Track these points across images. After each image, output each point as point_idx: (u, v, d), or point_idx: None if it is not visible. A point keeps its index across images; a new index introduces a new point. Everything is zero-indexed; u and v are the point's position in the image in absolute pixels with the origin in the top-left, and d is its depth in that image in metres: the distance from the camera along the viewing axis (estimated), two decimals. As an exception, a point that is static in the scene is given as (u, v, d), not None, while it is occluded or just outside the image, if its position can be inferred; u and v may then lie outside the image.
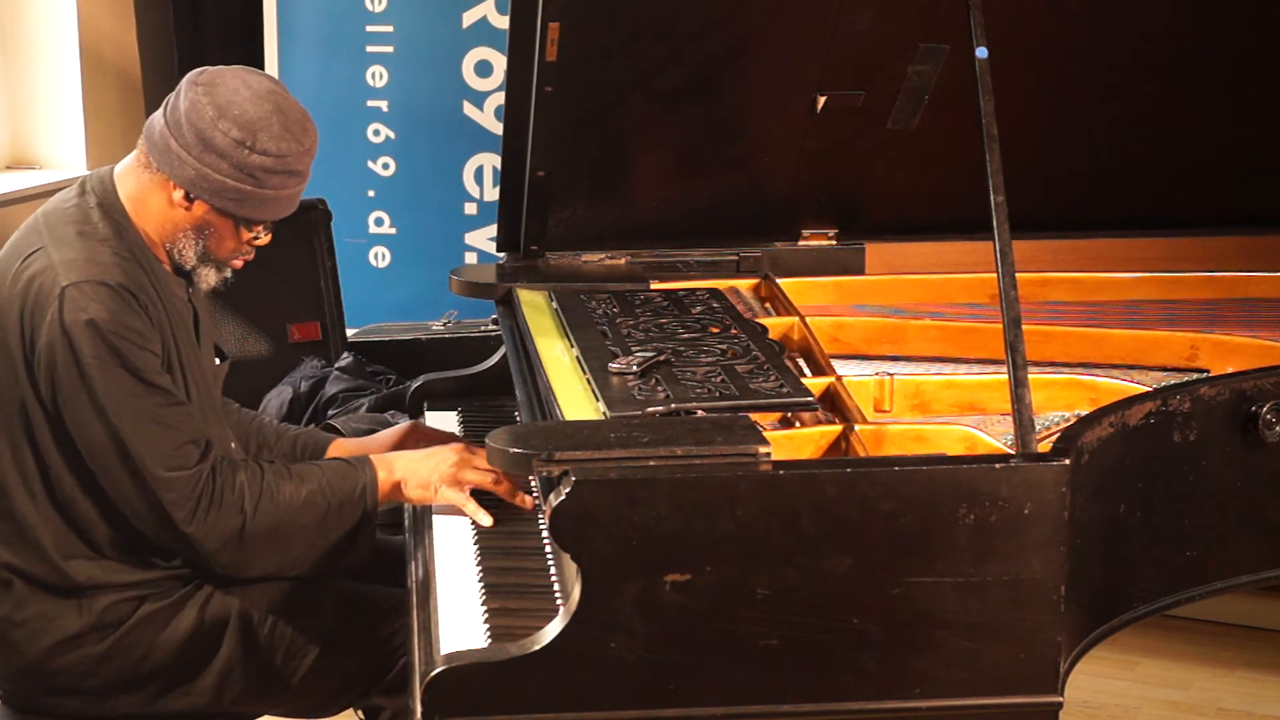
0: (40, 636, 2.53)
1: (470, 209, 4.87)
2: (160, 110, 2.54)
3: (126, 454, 2.44)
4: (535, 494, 2.55)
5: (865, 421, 2.46)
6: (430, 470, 2.56)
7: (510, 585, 2.37)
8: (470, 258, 4.87)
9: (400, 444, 2.81)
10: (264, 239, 2.60)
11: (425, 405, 3.14)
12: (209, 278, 2.61)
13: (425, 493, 2.56)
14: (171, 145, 2.49)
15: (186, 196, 2.51)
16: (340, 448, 2.86)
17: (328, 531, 2.52)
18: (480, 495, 2.58)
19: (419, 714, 2.08)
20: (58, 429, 2.48)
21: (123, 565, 2.53)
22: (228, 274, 2.63)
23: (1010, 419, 2.26)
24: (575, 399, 2.43)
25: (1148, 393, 2.50)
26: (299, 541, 2.51)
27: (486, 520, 2.52)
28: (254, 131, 2.47)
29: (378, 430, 2.94)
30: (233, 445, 2.70)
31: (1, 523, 2.55)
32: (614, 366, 2.47)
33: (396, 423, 3.72)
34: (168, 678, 2.56)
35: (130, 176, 2.56)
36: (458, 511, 2.57)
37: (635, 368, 2.45)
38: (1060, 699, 2.17)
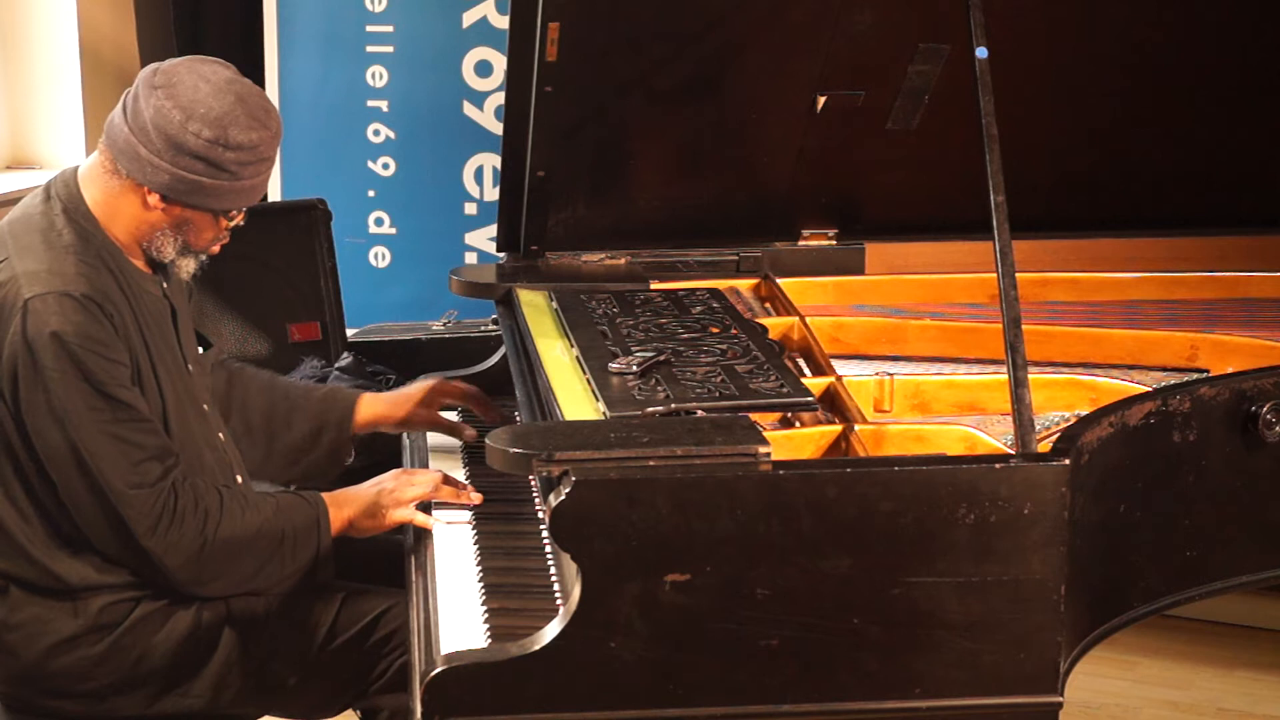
0: (36, 639, 2.53)
1: (470, 209, 4.87)
2: (119, 113, 2.51)
3: (86, 467, 2.43)
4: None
5: (865, 421, 2.46)
6: (375, 498, 2.59)
7: (510, 585, 2.37)
8: (470, 258, 4.87)
9: (426, 401, 2.86)
10: (239, 220, 2.60)
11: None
12: (188, 267, 2.61)
13: (376, 520, 2.60)
14: (141, 152, 2.47)
15: (163, 199, 2.50)
16: (369, 405, 2.89)
17: (282, 560, 2.54)
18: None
19: (419, 714, 2.08)
20: (28, 438, 2.47)
21: (117, 564, 2.52)
22: (204, 260, 2.63)
23: (1010, 419, 2.26)
24: (575, 399, 2.43)
25: (1148, 393, 2.50)
26: (254, 566, 2.52)
27: (435, 526, 2.56)
28: (224, 127, 2.46)
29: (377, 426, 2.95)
30: (220, 436, 2.70)
31: None
32: (614, 366, 2.47)
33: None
34: (164, 680, 2.55)
35: (96, 182, 2.54)
36: (458, 512, 2.58)
37: (635, 368, 2.45)
38: (1060, 699, 2.17)
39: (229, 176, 2.48)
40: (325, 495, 2.60)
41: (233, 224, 2.58)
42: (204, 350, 2.79)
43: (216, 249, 2.63)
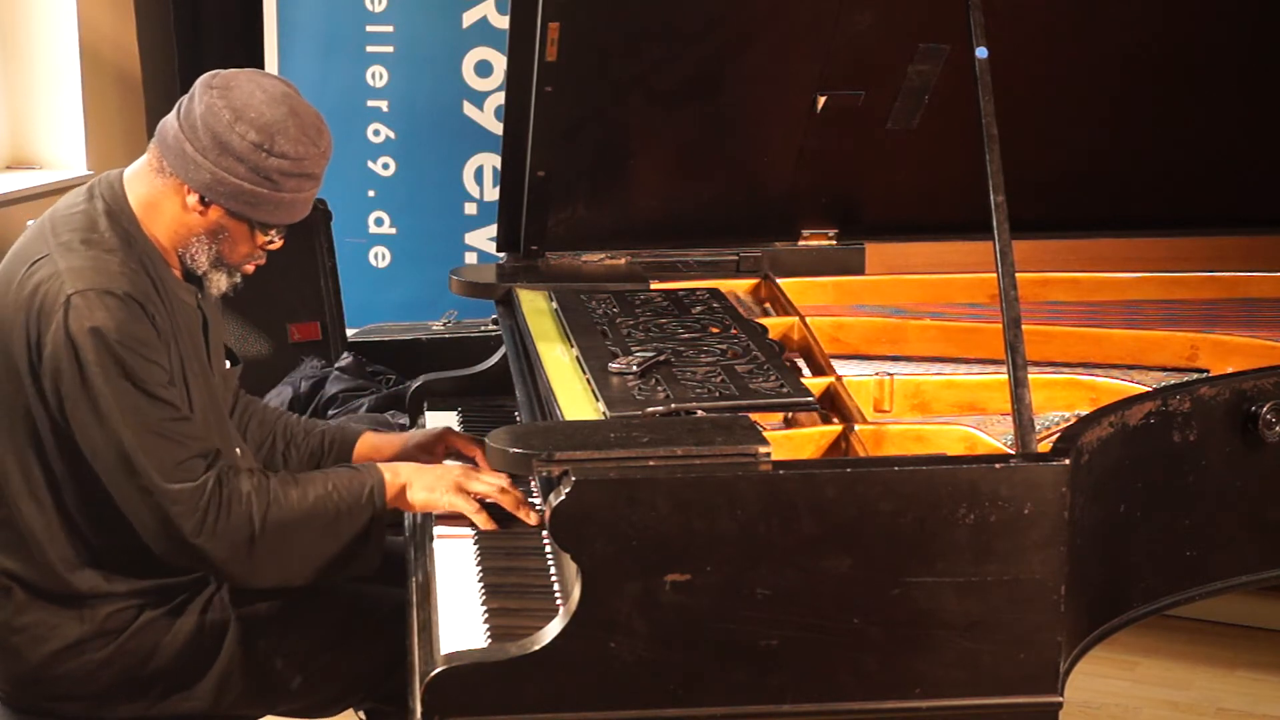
0: (41, 643, 2.52)
1: (470, 209, 4.87)
2: (173, 113, 2.52)
3: (131, 466, 2.41)
4: (540, 507, 2.53)
5: (865, 421, 2.46)
6: (437, 478, 2.55)
7: (510, 585, 2.37)
8: (470, 258, 4.87)
9: (432, 446, 2.81)
10: (277, 243, 2.58)
11: (425, 405, 3.14)
12: (220, 283, 2.59)
13: (431, 495, 2.54)
14: (187, 149, 2.47)
15: (202, 200, 2.49)
16: (369, 442, 2.85)
17: (337, 536, 2.49)
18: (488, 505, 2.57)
19: (419, 714, 2.08)
20: (63, 438, 2.46)
21: (126, 574, 2.52)
22: (238, 279, 2.61)
23: (1010, 419, 2.26)
24: (575, 399, 2.43)
25: (1148, 393, 2.50)
26: (308, 547, 2.48)
27: (491, 525, 2.51)
28: (271, 134, 2.45)
29: (377, 429, 2.93)
30: (238, 451, 2.68)
31: (3, 530, 2.53)
32: (614, 366, 2.47)
33: (397, 423, 3.73)
34: (168, 682, 2.55)
35: (142, 181, 2.54)
36: (458, 512, 2.57)
37: (635, 368, 2.45)
38: (1060, 699, 2.17)
39: (269, 185, 2.47)
40: (384, 465, 2.56)
41: (269, 240, 2.56)
42: (232, 365, 2.77)
43: (251, 268, 2.60)
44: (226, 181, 2.47)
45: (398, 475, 2.54)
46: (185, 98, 2.52)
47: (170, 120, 2.52)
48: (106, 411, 2.41)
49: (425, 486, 2.54)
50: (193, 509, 2.42)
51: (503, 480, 2.55)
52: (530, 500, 2.55)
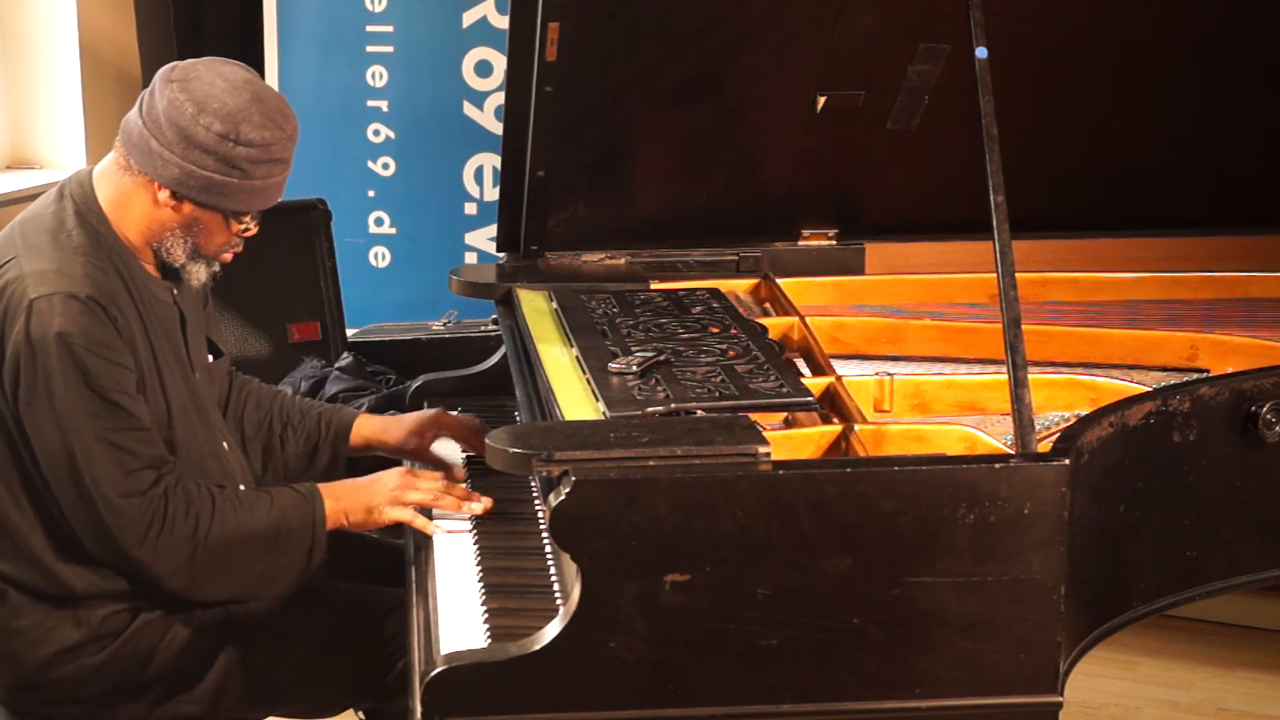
0: (37, 647, 2.51)
1: (470, 209, 4.87)
2: (135, 110, 2.50)
3: (79, 474, 2.41)
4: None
5: (865, 421, 2.46)
6: (373, 495, 2.56)
7: (510, 585, 2.37)
8: (470, 258, 4.87)
9: (423, 431, 2.82)
10: (252, 229, 2.58)
11: (425, 405, 3.13)
12: (199, 274, 2.58)
13: (370, 516, 2.56)
14: (153, 145, 2.46)
15: (173, 195, 2.48)
16: (365, 425, 2.86)
17: (278, 558, 2.51)
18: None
19: (419, 714, 2.08)
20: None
21: (119, 572, 2.51)
22: (216, 269, 2.61)
23: (1010, 419, 2.26)
24: (575, 399, 2.43)
25: (1148, 393, 2.50)
26: (249, 567, 2.49)
27: (434, 531, 2.52)
28: (236, 123, 2.45)
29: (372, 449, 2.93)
30: (225, 445, 2.69)
31: None
32: (614, 366, 2.47)
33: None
34: (166, 685, 2.54)
35: (110, 180, 2.53)
36: (460, 521, 2.57)
37: (635, 368, 2.45)
38: (1060, 699, 2.17)
39: (239, 174, 2.47)
40: (322, 486, 2.57)
41: (245, 230, 2.56)
42: (216, 358, 2.76)
43: (228, 256, 2.60)
44: (196, 175, 2.46)
45: (338, 500, 2.55)
46: (146, 93, 2.50)
47: (133, 117, 2.50)
48: (63, 418, 2.40)
49: (363, 508, 2.56)
50: (136, 522, 2.42)
51: (438, 485, 2.56)
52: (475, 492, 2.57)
